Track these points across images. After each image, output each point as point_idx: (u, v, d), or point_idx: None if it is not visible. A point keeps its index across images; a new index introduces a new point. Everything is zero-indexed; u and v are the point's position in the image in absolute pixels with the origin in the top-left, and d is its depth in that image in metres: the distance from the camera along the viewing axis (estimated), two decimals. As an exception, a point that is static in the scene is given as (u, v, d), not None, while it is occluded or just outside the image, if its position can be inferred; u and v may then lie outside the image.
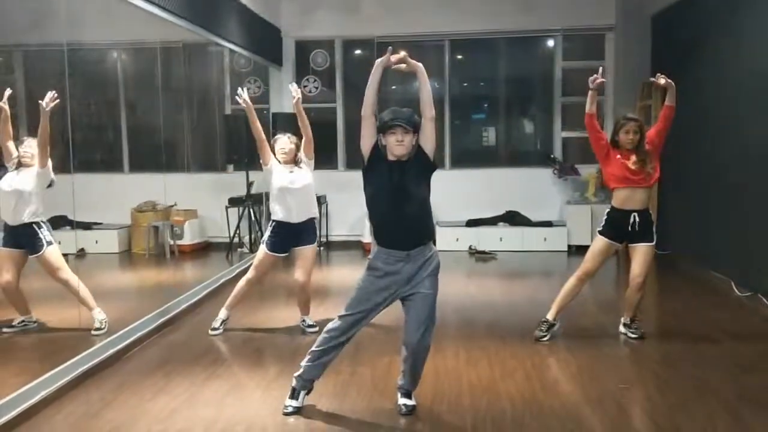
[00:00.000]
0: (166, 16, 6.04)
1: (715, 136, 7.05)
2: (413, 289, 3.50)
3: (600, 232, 4.95)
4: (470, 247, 9.02)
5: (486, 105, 10.42)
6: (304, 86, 9.84)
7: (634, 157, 4.77)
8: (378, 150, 3.47)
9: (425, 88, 3.51)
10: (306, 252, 5.28)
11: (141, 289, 7.00)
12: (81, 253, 8.85)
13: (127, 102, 9.54)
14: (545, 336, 4.97)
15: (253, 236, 9.01)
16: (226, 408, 3.84)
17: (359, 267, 8.24)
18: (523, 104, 10.31)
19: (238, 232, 8.91)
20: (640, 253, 4.84)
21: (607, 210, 4.97)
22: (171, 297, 5.94)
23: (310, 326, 5.43)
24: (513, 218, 9.31)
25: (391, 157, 3.45)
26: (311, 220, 5.33)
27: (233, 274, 7.52)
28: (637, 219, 4.77)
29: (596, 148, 4.90)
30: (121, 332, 4.87)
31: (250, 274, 5.40)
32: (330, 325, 3.65)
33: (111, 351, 4.61)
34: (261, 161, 5.37)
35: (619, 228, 4.84)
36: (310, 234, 5.31)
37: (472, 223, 9.27)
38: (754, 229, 6.17)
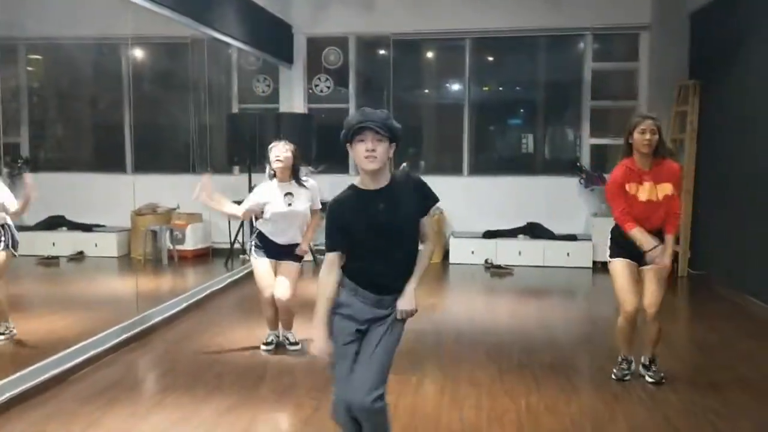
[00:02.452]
0: (173, 15, 5.60)
1: (757, 146, 6.30)
2: (367, 340, 2.74)
3: (611, 256, 4.20)
4: (486, 261, 8.36)
5: (515, 109, 9.79)
6: (316, 85, 9.33)
7: (647, 184, 4.05)
8: (340, 210, 2.68)
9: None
10: (290, 268, 4.85)
11: (117, 298, 6.53)
12: (79, 256, 8.50)
13: (132, 100, 9.17)
14: (627, 374, 4.28)
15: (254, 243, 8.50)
16: (159, 449, 3.31)
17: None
18: (550, 109, 9.61)
19: (238, 238, 8.42)
20: (650, 278, 4.10)
21: (611, 228, 4.23)
22: (144, 308, 5.46)
23: (292, 344, 4.97)
24: (534, 230, 8.63)
25: (364, 181, 2.67)
26: (297, 245, 4.88)
27: (224, 284, 7.05)
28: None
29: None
30: (69, 350, 4.37)
31: (263, 295, 4.86)
32: (332, 407, 2.86)
33: (53, 372, 4.11)
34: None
35: (627, 246, 4.08)
36: (294, 253, 4.88)
37: (489, 234, 8.60)
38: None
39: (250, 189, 8.39)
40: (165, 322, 5.57)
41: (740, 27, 6.82)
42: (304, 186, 4.83)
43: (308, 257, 5.00)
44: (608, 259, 4.25)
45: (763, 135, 6.19)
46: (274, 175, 4.79)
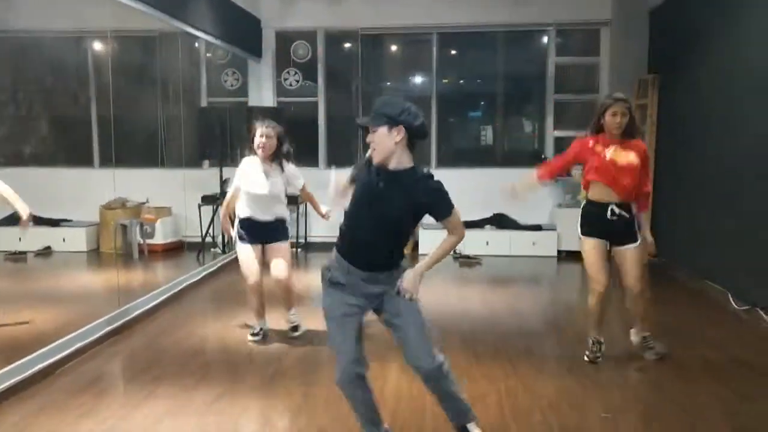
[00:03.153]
0: (140, 7, 5.58)
1: (714, 138, 6.59)
2: (390, 315, 2.92)
3: (582, 234, 4.37)
4: (455, 251, 8.57)
5: (476, 102, 9.97)
6: (285, 79, 9.39)
7: (615, 147, 4.22)
8: (356, 174, 2.93)
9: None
10: (280, 247, 4.94)
11: (95, 292, 6.56)
12: (47, 251, 8.44)
13: (98, 94, 9.11)
14: (599, 357, 4.46)
15: (226, 237, 8.54)
16: (156, 436, 3.40)
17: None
18: (514, 102, 9.84)
19: (210, 231, 8.45)
20: (628, 259, 4.29)
21: (582, 204, 4.42)
22: (125, 302, 5.50)
23: (294, 329, 5.08)
24: (501, 221, 8.85)
25: (375, 160, 2.82)
26: (281, 221, 4.96)
27: (199, 277, 7.10)
28: (616, 211, 4.21)
29: (581, 161, 4.40)
30: (56, 343, 4.41)
31: (248, 282, 4.94)
32: (335, 377, 3.00)
33: (39, 366, 4.15)
34: None
35: (597, 223, 4.27)
36: (282, 231, 4.96)
37: (457, 225, 8.79)
38: (752, 237, 5.72)
39: (222, 183, 8.46)
40: (145, 315, 5.61)
41: (697, 23, 7.10)
42: (283, 170, 4.90)
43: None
44: (579, 235, 4.42)
45: (718, 127, 6.48)
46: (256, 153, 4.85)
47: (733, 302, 5.87)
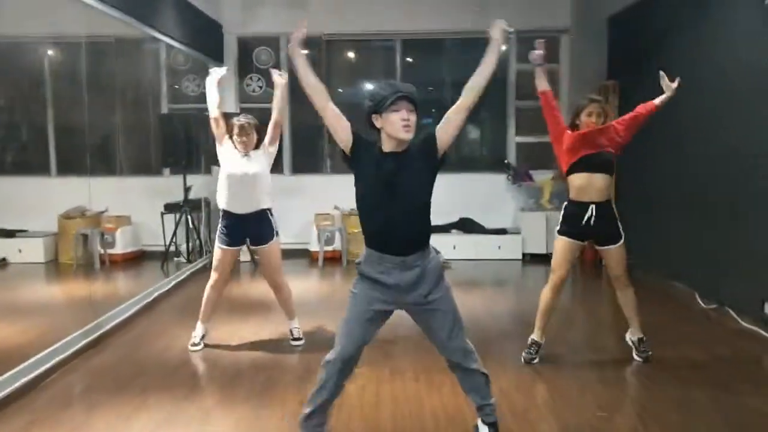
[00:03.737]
0: (99, 6, 5.44)
1: (676, 142, 6.82)
2: (425, 308, 2.95)
3: (559, 232, 4.49)
4: (423, 256, 8.61)
5: (440, 108, 10.05)
6: (247, 85, 9.31)
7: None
8: (360, 139, 2.86)
9: (490, 65, 2.95)
10: (269, 250, 4.85)
11: (65, 304, 6.37)
12: (2, 263, 8.14)
13: (54, 101, 8.86)
14: (535, 359, 4.53)
15: (191, 244, 8.40)
16: (156, 448, 3.33)
17: (307, 277, 7.90)
18: (477, 108, 9.94)
19: (174, 240, 8.29)
20: (612, 256, 4.45)
21: (564, 205, 4.52)
22: (99, 313, 5.35)
23: (296, 339, 5.02)
24: (466, 225, 8.95)
25: (386, 147, 2.84)
26: (263, 214, 4.79)
27: (169, 286, 6.96)
28: (595, 212, 4.32)
29: (552, 127, 4.43)
30: (37, 357, 4.27)
31: (212, 279, 4.90)
32: (327, 356, 3.02)
33: (22, 380, 4.01)
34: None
35: (577, 224, 4.37)
36: (267, 228, 4.80)
37: (424, 230, 8.85)
38: (716, 238, 5.93)
39: (185, 190, 8.32)
40: (119, 327, 5.47)
41: (655, 32, 7.33)
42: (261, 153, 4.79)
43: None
44: (556, 233, 4.53)
45: (681, 132, 6.70)
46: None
47: (700, 301, 6.07)
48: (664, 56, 7.09)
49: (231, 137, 4.75)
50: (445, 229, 8.91)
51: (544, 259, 7.98)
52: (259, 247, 4.86)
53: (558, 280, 4.49)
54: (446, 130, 2.90)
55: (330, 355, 2.99)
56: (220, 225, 4.85)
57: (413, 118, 2.78)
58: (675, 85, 4.38)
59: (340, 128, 2.85)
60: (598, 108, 4.33)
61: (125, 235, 8.69)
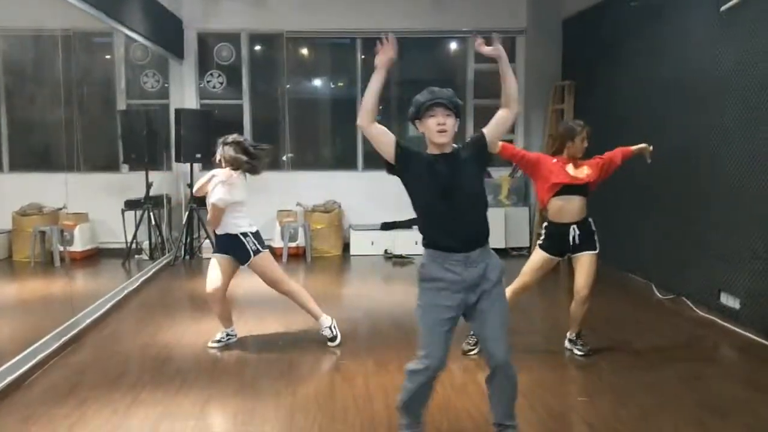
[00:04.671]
0: None
1: (630, 141, 7.10)
2: (482, 301, 2.99)
3: (540, 246, 4.68)
4: (386, 251, 8.76)
5: (401, 106, 10.18)
6: (208, 81, 9.27)
7: (571, 165, 4.60)
8: (405, 149, 2.94)
9: (511, 78, 2.97)
10: (255, 264, 4.87)
11: (32, 303, 6.25)
12: (-48, 262, 7.91)
13: (7, 95, 8.63)
14: (473, 350, 4.67)
15: (153, 242, 8.33)
16: (160, 441, 3.37)
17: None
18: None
19: (135, 237, 8.21)
20: (583, 264, 4.60)
21: (545, 224, 4.71)
22: (73, 312, 5.30)
23: (330, 340, 4.99)
24: (427, 221, 9.11)
25: (433, 150, 2.96)
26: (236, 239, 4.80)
27: (137, 284, 6.90)
28: (577, 231, 4.54)
29: (527, 170, 4.71)
30: (21, 356, 4.23)
31: (207, 290, 4.88)
32: (412, 366, 3.05)
33: (9, 379, 3.98)
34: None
35: (559, 243, 4.58)
36: (240, 250, 4.80)
37: (386, 226, 9.00)
38: (670, 232, 6.26)
39: (147, 185, 8.23)
40: (93, 324, 5.43)
41: (608, 35, 7.65)
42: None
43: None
44: (537, 246, 4.73)
45: (634, 131, 6.98)
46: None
47: (657, 292, 6.39)
48: (618, 59, 7.40)
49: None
50: (406, 224, 9.05)
51: (503, 253, 8.22)
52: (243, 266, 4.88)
53: (521, 286, 4.65)
54: (496, 131, 3.01)
55: (415, 365, 3.04)
56: None
57: (449, 121, 2.90)
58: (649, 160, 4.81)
59: (384, 143, 2.93)
60: (587, 133, 4.59)
61: (84, 233, 8.54)
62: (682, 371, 4.37)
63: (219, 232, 4.83)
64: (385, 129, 2.94)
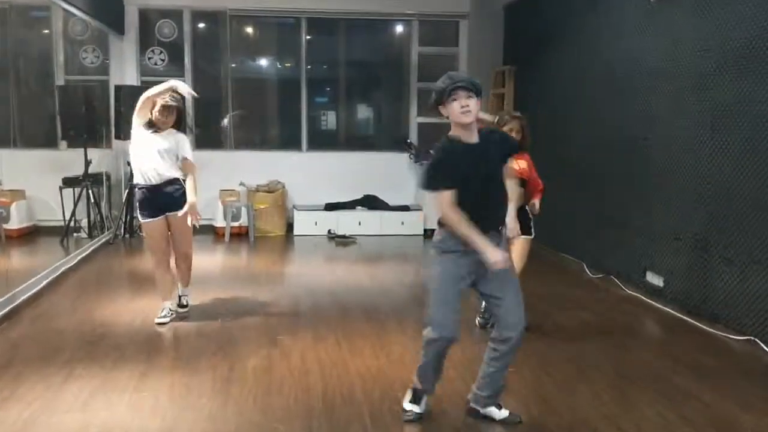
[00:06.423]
0: None
1: (567, 125, 7.35)
2: (495, 275, 3.13)
3: None
4: (329, 231, 8.84)
5: (347, 87, 10.23)
6: (149, 58, 9.15)
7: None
8: (446, 164, 3.09)
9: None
10: (182, 220, 4.80)
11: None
12: None
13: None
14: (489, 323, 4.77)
15: (92, 220, 8.23)
16: (95, 413, 3.39)
17: (212, 252, 7.93)
18: (381, 88, 10.24)
19: (74, 215, 8.09)
20: (516, 249, 4.73)
21: None
22: (8, 288, 5.25)
23: (183, 307, 5.14)
24: (371, 202, 9.23)
25: (457, 130, 3.11)
26: (177, 183, 4.82)
27: (75, 261, 6.84)
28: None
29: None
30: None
31: (156, 257, 4.94)
32: (426, 334, 3.23)
33: (-60, 354, 3.95)
34: None
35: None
36: (178, 196, 4.79)
37: (330, 206, 9.08)
38: (602, 214, 6.52)
39: (86, 163, 8.11)
40: (29, 300, 5.39)
41: (547, 21, 7.85)
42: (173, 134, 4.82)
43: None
44: None
45: (571, 116, 7.25)
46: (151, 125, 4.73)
47: (588, 271, 6.65)
48: (556, 46, 7.61)
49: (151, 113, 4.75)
50: (350, 205, 9.16)
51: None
52: (171, 214, 4.82)
53: None
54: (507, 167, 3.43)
55: (434, 333, 3.20)
56: (135, 202, 4.96)
57: (472, 102, 3.04)
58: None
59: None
60: (518, 125, 4.64)
61: (21, 210, 8.37)
62: (605, 343, 4.62)
63: (164, 178, 4.80)
64: (451, 198, 3.07)
